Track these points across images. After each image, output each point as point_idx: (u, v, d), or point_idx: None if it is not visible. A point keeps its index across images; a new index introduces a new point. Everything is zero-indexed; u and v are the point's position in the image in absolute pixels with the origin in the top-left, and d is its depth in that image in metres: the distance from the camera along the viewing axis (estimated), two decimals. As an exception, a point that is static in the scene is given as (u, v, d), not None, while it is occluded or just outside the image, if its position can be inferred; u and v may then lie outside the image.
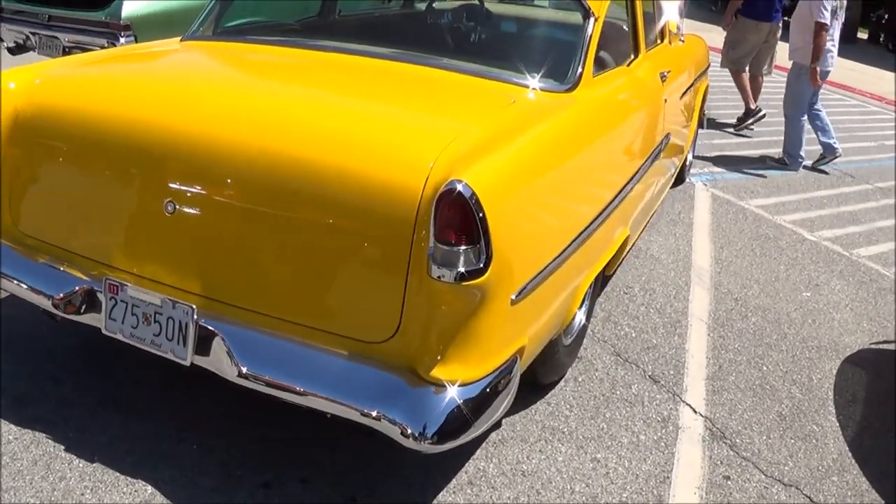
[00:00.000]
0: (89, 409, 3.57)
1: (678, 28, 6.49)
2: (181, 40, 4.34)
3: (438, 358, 2.75)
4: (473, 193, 2.59)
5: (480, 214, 2.61)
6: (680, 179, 7.49)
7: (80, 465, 3.24)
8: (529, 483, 3.42)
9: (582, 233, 3.44)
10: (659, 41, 5.68)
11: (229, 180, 3.01)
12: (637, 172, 4.32)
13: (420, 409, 2.73)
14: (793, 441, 3.89)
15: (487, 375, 2.84)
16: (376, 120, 3.28)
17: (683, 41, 6.39)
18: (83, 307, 3.26)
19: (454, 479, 3.39)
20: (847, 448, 3.91)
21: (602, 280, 4.50)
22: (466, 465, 3.48)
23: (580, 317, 4.19)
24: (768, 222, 6.87)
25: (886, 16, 27.00)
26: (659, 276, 5.56)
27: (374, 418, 2.74)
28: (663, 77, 4.99)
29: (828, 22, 8.15)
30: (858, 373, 4.62)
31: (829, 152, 8.94)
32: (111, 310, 3.18)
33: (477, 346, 2.80)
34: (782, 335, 4.90)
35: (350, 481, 3.30)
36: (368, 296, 2.88)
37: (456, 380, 2.76)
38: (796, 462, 3.74)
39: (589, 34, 3.93)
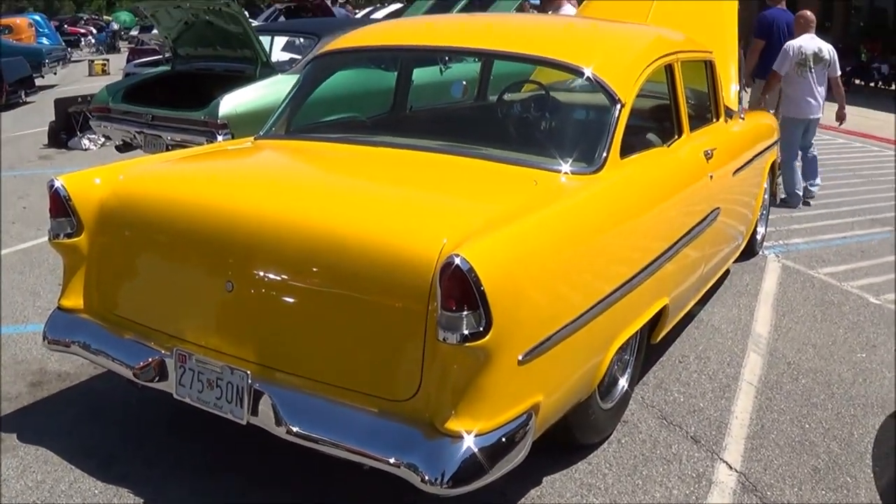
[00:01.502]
0: (168, 468, 4.04)
1: (741, 107, 6.79)
2: (254, 139, 4.89)
3: (452, 412, 3.12)
4: (471, 267, 2.97)
5: (479, 286, 2.99)
6: (751, 252, 7.61)
7: (154, 517, 3.70)
8: (558, 533, 3.71)
9: (600, 303, 3.74)
10: (715, 119, 5.97)
11: (273, 262, 3.51)
12: (673, 246, 4.60)
13: (436, 458, 3.10)
14: (824, 492, 4.05)
15: (499, 428, 3.19)
16: (404, 205, 3.74)
17: (744, 118, 6.67)
18: (158, 376, 3.75)
19: (489, 532, 3.71)
20: (878, 498, 4.06)
21: (647, 348, 4.77)
22: (504, 519, 3.81)
23: (622, 383, 4.50)
24: (835, 289, 6.98)
25: None
26: (716, 344, 5.76)
27: (393, 465, 3.14)
28: (708, 155, 5.26)
29: (780, 70, 9.43)
30: (902, 426, 4.73)
31: (792, 199, 9.85)
32: (180, 377, 3.66)
33: (486, 400, 3.15)
34: (830, 394, 5.06)
35: (393, 531, 3.66)
36: (394, 359, 3.30)
37: (470, 430, 3.12)
38: (823, 512, 3.93)
39: (615, 119, 4.28)
